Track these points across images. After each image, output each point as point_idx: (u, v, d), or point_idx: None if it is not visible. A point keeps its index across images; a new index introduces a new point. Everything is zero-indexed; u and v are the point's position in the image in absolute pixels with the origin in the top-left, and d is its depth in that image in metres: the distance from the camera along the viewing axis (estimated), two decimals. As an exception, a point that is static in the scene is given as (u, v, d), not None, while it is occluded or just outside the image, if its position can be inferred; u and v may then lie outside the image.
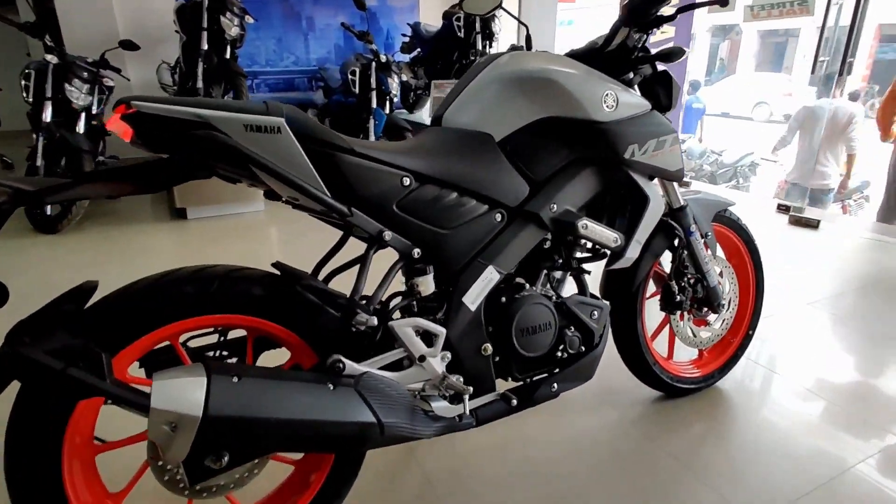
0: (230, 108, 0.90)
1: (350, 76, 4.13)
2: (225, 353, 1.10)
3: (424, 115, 5.11)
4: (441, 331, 1.09)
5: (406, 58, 5.55)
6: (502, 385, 1.23)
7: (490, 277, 1.16)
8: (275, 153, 0.90)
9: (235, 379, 0.85)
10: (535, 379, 1.25)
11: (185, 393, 0.81)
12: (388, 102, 4.14)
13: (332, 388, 0.93)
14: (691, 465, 1.41)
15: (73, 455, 0.91)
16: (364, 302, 1.03)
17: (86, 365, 0.83)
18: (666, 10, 1.23)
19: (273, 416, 0.85)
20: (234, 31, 3.78)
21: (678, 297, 1.51)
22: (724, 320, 1.65)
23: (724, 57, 18.32)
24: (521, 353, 1.20)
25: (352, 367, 1.00)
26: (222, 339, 1.10)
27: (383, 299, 1.18)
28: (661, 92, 1.32)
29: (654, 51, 1.29)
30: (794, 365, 1.86)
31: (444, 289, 1.14)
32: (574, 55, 1.32)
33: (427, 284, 1.11)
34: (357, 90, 4.12)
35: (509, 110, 1.17)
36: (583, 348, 1.29)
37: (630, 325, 1.51)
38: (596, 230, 1.24)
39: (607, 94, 1.19)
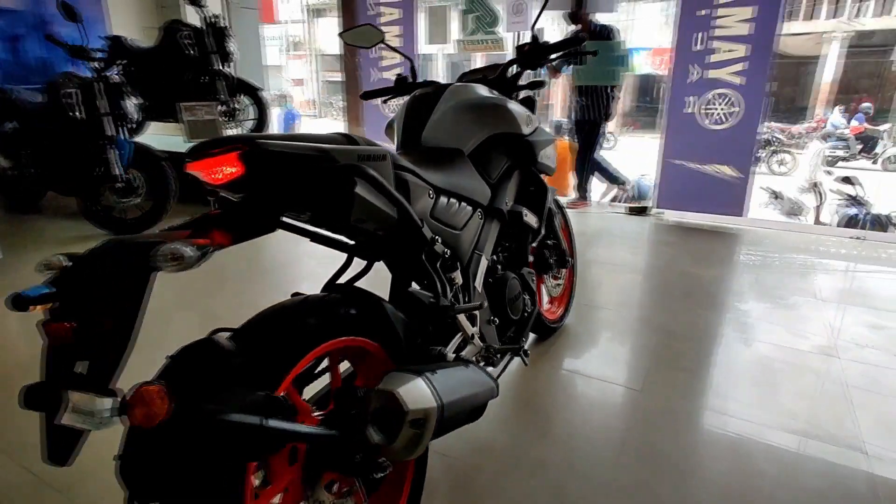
0: (338, 141, 0.96)
1: (65, 99, 3.38)
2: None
3: (174, 140, 4.51)
4: (475, 315, 1.33)
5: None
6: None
7: (484, 264, 1.44)
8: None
9: (430, 374, 0.93)
10: (513, 336, 1.59)
11: (421, 392, 0.87)
12: (125, 128, 3.56)
13: (466, 368, 1.08)
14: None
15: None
16: (450, 304, 1.18)
17: (279, 412, 0.80)
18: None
19: (460, 396, 0.97)
20: None
21: (550, 260, 2.05)
22: (563, 274, 2.29)
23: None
24: (512, 318, 1.52)
25: (446, 352, 1.16)
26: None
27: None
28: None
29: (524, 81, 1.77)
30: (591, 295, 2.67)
31: (464, 280, 1.36)
32: (472, 77, 1.69)
33: (458, 278, 1.32)
34: (81, 115, 3.40)
35: (471, 129, 1.47)
36: (534, 307, 1.68)
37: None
38: (530, 216, 1.65)
39: (528, 115, 1.61)
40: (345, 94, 5.54)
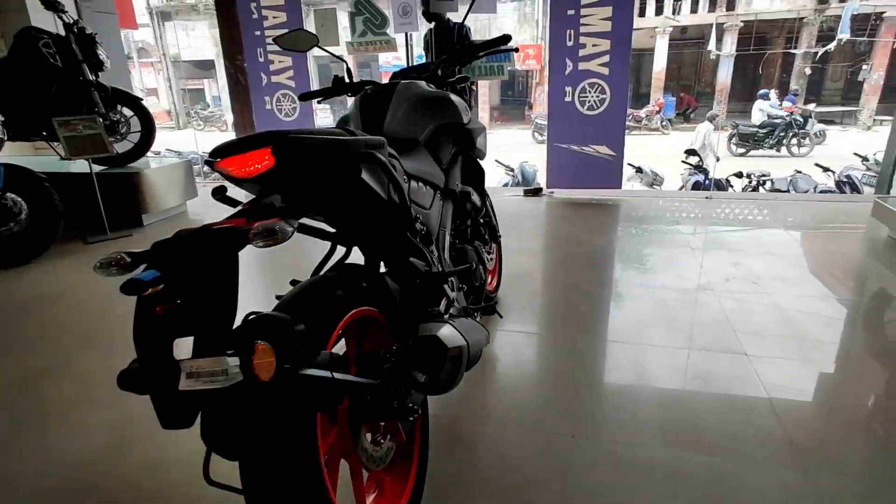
0: (344, 133, 1.10)
1: (45, 49, 3.70)
2: None
3: (46, 161, 4.07)
4: (452, 281, 1.52)
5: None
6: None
7: (448, 238, 1.64)
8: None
9: (452, 323, 1.11)
10: (474, 300, 1.81)
11: (453, 333, 1.04)
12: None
13: (468, 319, 1.28)
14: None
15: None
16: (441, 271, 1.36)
17: (340, 367, 0.94)
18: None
19: (476, 338, 1.16)
20: None
21: (486, 235, 2.30)
22: (493, 248, 2.55)
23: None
24: (474, 284, 1.74)
25: (441, 311, 1.34)
26: None
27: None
28: None
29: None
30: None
31: (438, 253, 1.55)
32: (405, 76, 1.87)
33: (435, 251, 1.51)
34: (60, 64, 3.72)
35: (424, 120, 1.65)
36: (486, 275, 1.92)
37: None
38: (475, 196, 1.87)
39: (466, 107, 1.82)
40: (232, 102, 5.34)
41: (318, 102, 2.03)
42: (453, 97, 1.75)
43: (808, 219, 3.86)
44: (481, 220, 2.26)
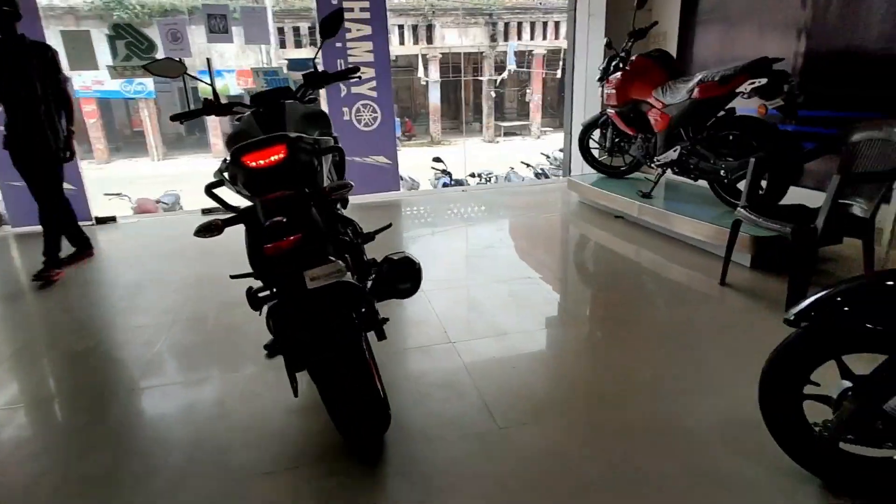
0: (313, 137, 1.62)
1: None
2: None
3: None
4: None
5: None
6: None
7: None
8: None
9: (402, 252, 1.69)
10: None
11: (412, 256, 1.63)
12: None
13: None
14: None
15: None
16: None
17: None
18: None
19: (420, 262, 1.76)
20: None
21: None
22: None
23: None
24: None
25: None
26: None
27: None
28: None
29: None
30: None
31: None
32: (269, 96, 2.33)
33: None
34: None
35: (311, 129, 2.15)
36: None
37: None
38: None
39: (328, 120, 2.36)
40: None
41: (181, 122, 2.26)
42: (326, 113, 2.27)
43: (530, 196, 5.41)
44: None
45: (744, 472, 1.54)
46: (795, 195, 3.04)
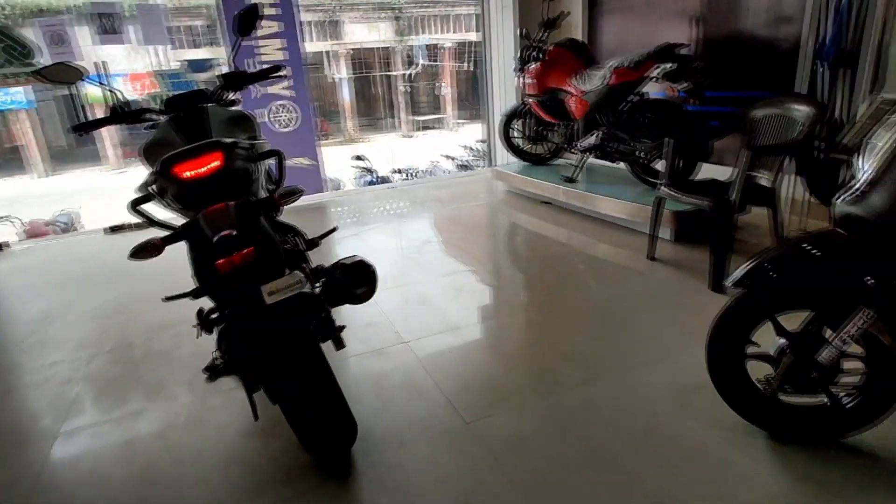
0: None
1: None
2: None
3: None
4: None
5: None
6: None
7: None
8: None
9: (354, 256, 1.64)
10: None
11: (365, 259, 1.58)
12: None
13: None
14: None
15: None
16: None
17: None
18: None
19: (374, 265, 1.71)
20: None
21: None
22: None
23: None
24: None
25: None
26: None
27: None
28: None
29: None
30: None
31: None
32: (185, 99, 2.17)
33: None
34: None
35: (238, 133, 2.02)
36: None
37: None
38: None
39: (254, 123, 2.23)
40: None
41: (82, 135, 2.05)
42: (251, 115, 2.14)
43: (458, 188, 5.44)
44: None
45: (697, 432, 1.65)
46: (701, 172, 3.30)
